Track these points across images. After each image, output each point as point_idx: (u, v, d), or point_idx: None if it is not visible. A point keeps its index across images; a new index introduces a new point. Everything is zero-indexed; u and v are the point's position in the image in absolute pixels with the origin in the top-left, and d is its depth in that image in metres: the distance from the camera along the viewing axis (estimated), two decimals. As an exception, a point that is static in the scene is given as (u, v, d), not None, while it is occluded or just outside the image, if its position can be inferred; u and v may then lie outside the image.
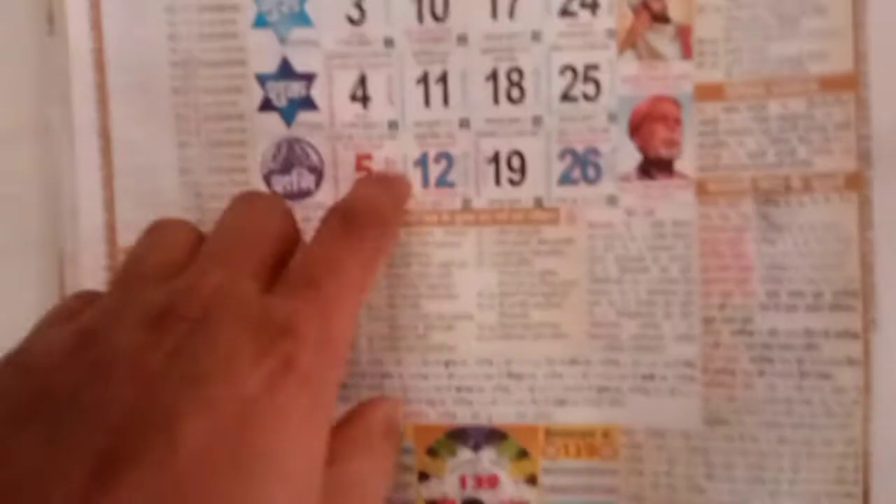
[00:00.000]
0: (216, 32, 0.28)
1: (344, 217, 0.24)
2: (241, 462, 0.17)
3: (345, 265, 0.22)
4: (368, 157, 0.28)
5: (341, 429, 0.24)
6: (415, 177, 0.28)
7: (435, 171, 0.28)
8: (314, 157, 0.28)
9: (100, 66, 0.28)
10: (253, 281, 0.21)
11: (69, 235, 0.29)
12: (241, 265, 0.21)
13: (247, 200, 0.24)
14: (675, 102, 0.27)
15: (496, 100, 0.28)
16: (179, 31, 0.28)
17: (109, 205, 0.28)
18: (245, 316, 0.19)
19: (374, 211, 0.25)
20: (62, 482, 0.15)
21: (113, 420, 0.16)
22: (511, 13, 0.27)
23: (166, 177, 0.28)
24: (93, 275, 0.28)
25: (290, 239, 0.24)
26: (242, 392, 0.17)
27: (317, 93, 0.28)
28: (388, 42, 0.28)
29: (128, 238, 0.28)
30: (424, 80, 0.28)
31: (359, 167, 0.28)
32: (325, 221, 0.24)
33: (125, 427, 0.16)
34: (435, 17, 0.28)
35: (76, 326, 0.19)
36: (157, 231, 0.23)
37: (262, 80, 0.28)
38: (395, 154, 0.28)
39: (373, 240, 0.24)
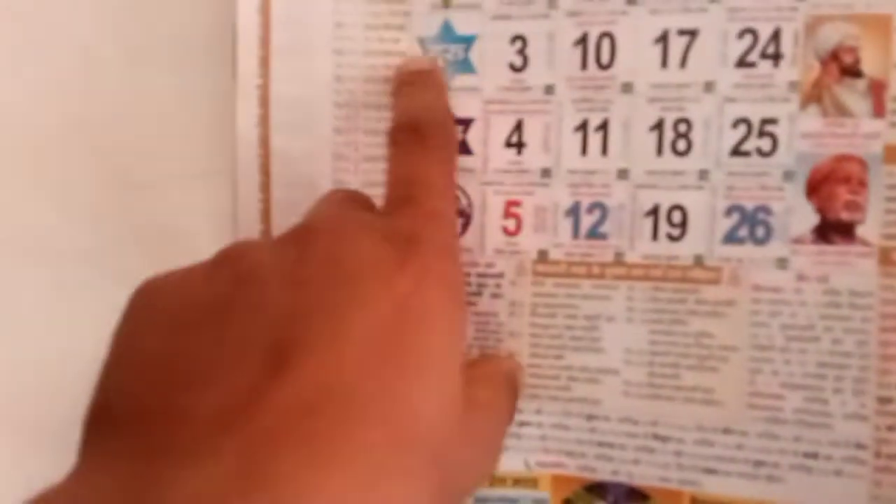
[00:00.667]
0: (380, 76, 0.24)
1: (414, 132, 0.22)
2: (400, 355, 0.16)
3: (431, 175, 0.21)
4: (518, 203, 0.24)
5: (470, 367, 0.21)
6: (565, 227, 0.23)
7: (587, 221, 0.23)
8: (464, 201, 0.24)
9: (264, 102, 0.24)
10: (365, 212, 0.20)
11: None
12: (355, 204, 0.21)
13: None
14: (862, 163, 0.21)
15: (660, 151, 0.23)
16: (345, 73, 0.24)
17: (266, 235, 0.25)
18: (376, 230, 0.18)
19: (433, 116, 0.23)
20: (235, 373, 0.14)
21: (274, 318, 0.15)
22: (683, 63, 0.22)
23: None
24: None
25: None
26: (395, 290, 0.16)
27: (473, 137, 0.24)
28: (549, 89, 0.23)
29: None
30: (583, 127, 0.23)
31: (507, 214, 0.24)
32: (397, 142, 0.22)
33: (288, 323, 0.15)
34: (600, 65, 0.23)
35: (214, 256, 0.18)
36: None
37: (419, 122, 0.24)
38: (545, 202, 0.24)
39: (445, 142, 0.22)
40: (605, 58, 0.23)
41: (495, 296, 0.24)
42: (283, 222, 0.25)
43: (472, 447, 0.19)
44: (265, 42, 0.25)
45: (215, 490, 0.13)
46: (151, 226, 0.26)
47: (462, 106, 0.24)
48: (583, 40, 0.23)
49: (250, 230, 0.25)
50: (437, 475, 0.16)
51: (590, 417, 0.24)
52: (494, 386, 0.22)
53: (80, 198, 0.26)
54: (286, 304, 0.15)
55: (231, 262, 0.17)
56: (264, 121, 0.25)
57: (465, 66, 0.24)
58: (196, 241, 0.26)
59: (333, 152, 0.25)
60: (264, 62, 0.25)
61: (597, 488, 0.24)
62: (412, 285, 0.17)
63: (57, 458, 0.14)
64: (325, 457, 0.14)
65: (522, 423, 0.24)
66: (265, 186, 0.25)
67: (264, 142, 0.25)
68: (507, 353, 0.24)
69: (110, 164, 0.26)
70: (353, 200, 0.21)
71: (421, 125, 0.22)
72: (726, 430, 0.23)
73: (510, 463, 0.24)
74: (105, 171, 0.26)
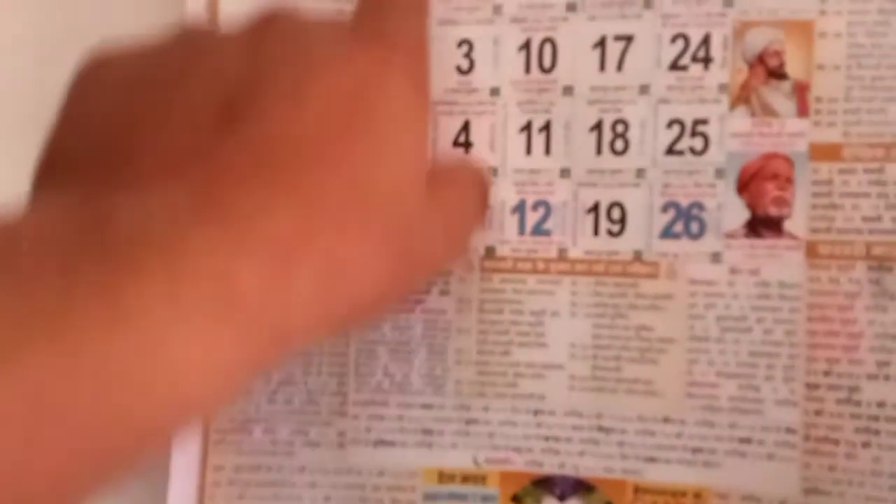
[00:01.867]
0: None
1: None
2: (361, 123, 0.16)
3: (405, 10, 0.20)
4: (466, 201, 0.24)
5: (437, 171, 0.21)
6: (511, 224, 0.24)
7: (532, 218, 0.24)
8: (413, 200, 0.24)
9: None
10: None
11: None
12: None
13: None
14: (788, 161, 0.22)
15: (599, 150, 0.24)
16: None
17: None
18: (341, 25, 0.18)
19: None
20: (189, 123, 0.14)
21: (229, 79, 0.15)
22: (619, 66, 0.23)
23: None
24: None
25: None
26: (354, 69, 0.16)
27: (420, 137, 0.24)
28: (494, 91, 0.24)
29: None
30: (528, 128, 0.24)
31: (456, 211, 0.24)
32: None
33: (244, 84, 0.15)
34: (542, 69, 0.24)
35: (170, 31, 0.17)
36: None
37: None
38: (492, 200, 0.24)
39: None
40: (547, 62, 0.24)
41: (444, 293, 0.25)
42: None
43: (436, 227, 0.19)
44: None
45: (165, 216, 0.13)
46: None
47: (409, 107, 0.24)
48: (526, 45, 0.24)
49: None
50: (397, 246, 0.16)
51: (536, 412, 0.24)
52: (463, 179, 0.21)
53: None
54: (240, 73, 0.16)
55: (187, 34, 0.17)
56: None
57: (413, 69, 0.24)
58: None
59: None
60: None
61: (544, 482, 0.24)
62: (376, 66, 0.17)
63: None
64: (277, 200, 0.14)
65: (470, 421, 0.24)
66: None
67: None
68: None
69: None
70: None
71: None
72: (666, 420, 0.23)
73: (459, 459, 0.25)
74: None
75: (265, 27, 0.17)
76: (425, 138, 0.18)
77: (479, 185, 0.23)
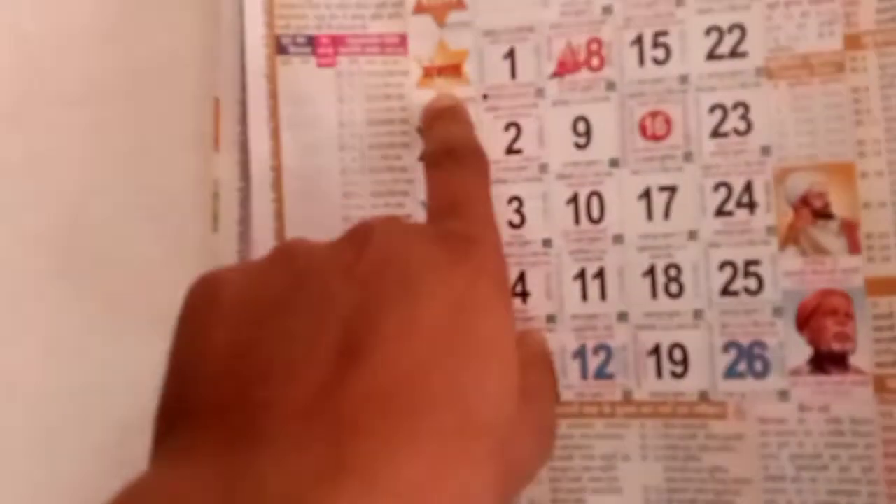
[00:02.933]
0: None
1: (450, 155, 0.23)
2: (462, 346, 0.16)
3: (472, 190, 0.22)
4: (527, 347, 0.25)
5: None
6: (573, 369, 0.24)
7: (594, 362, 0.24)
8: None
9: (279, 216, 0.26)
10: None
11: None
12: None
13: None
14: (846, 296, 0.23)
15: (654, 294, 0.24)
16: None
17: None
18: (428, 233, 0.19)
19: (466, 143, 0.24)
20: (310, 365, 0.15)
21: (340, 312, 0.16)
22: (667, 214, 0.24)
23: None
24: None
25: None
26: (452, 287, 0.17)
27: (479, 291, 0.25)
28: (546, 242, 0.25)
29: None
30: (582, 276, 0.25)
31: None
32: (435, 164, 0.23)
33: (355, 317, 0.16)
34: (591, 220, 0.25)
35: (270, 253, 0.18)
36: None
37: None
38: (553, 346, 0.25)
39: (480, 164, 0.24)
40: (595, 213, 0.25)
41: (512, 441, 0.25)
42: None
43: (531, 433, 0.19)
44: (279, 215, 0.26)
45: (309, 477, 0.13)
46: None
47: (467, 263, 0.26)
48: (574, 199, 0.25)
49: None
50: (502, 463, 0.16)
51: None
52: (537, 368, 0.22)
53: (67, 341, 0.27)
54: (350, 299, 0.16)
55: (288, 257, 0.18)
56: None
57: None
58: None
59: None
60: (279, 234, 0.26)
61: None
62: (468, 282, 0.17)
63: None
64: (400, 443, 0.14)
65: (550, 568, 0.24)
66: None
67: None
68: (530, 329, 0.25)
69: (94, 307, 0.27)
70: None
71: (456, 149, 0.23)
72: (749, 563, 0.23)
73: None
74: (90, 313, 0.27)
75: (362, 247, 0.17)
76: (514, 344, 0.18)
77: (548, 363, 0.23)
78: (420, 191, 0.26)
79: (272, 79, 0.26)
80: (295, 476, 0.13)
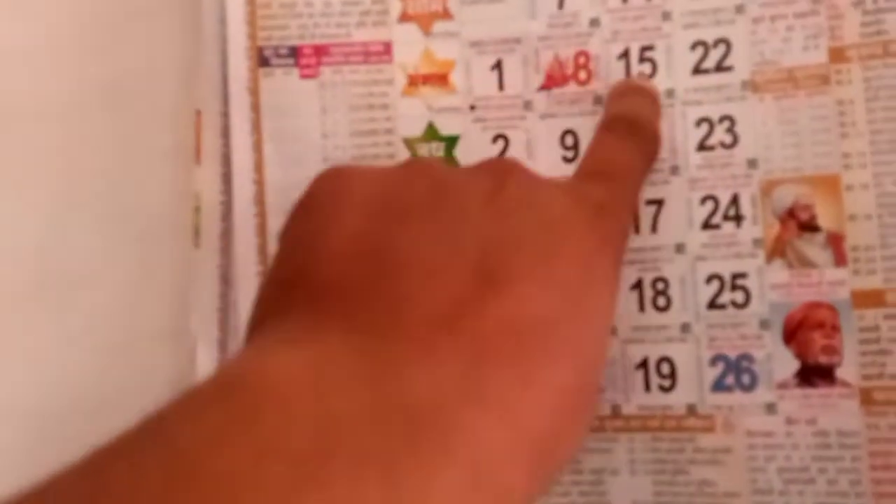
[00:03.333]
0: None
1: (630, 125, 0.23)
2: (585, 307, 0.16)
3: (632, 164, 0.22)
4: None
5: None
6: (562, 381, 0.24)
7: (582, 375, 0.24)
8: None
9: (262, 231, 0.25)
10: None
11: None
12: None
13: None
14: (832, 309, 0.23)
15: (642, 308, 0.24)
16: None
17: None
18: (565, 189, 0.18)
19: (649, 122, 0.24)
20: (449, 276, 0.15)
21: (482, 236, 0.15)
22: (654, 227, 0.24)
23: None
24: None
25: None
26: (585, 247, 0.17)
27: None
28: (534, 256, 0.24)
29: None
30: (569, 289, 0.24)
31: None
32: (609, 128, 0.23)
33: (497, 246, 0.15)
34: (579, 233, 0.24)
35: (403, 163, 0.18)
36: None
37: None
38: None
39: (649, 149, 0.23)
40: (582, 226, 0.25)
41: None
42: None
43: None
44: (262, 230, 0.26)
45: (456, 394, 0.13)
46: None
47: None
48: (560, 211, 0.25)
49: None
50: (586, 421, 0.16)
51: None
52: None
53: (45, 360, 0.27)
54: (488, 226, 0.16)
55: (425, 168, 0.17)
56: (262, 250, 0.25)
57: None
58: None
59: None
60: (262, 249, 0.26)
61: None
62: (597, 248, 0.17)
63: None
64: (531, 383, 0.14)
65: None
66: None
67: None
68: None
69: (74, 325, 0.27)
70: None
71: (639, 123, 0.23)
72: (739, 577, 0.23)
73: None
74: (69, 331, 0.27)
75: (503, 182, 0.17)
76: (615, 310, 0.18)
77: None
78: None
79: (255, 91, 0.25)
80: (442, 389, 0.13)
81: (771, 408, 0.23)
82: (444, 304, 0.14)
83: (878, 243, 0.22)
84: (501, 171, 0.17)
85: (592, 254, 0.17)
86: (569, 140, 0.25)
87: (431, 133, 0.25)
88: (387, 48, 0.26)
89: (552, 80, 0.25)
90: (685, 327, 0.24)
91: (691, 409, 0.24)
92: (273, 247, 0.25)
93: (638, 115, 0.23)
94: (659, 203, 0.24)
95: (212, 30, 0.26)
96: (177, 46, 0.27)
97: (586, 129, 0.25)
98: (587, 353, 0.16)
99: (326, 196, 0.16)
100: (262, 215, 0.25)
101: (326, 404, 0.12)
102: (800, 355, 0.23)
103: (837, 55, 0.23)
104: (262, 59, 0.25)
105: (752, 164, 0.24)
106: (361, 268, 0.14)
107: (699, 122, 0.24)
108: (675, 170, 0.24)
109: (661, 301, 0.24)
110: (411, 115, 0.25)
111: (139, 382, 0.26)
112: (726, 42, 0.24)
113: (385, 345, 0.13)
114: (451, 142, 0.25)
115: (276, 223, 0.25)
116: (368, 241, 0.15)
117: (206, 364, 0.26)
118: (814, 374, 0.23)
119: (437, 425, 0.12)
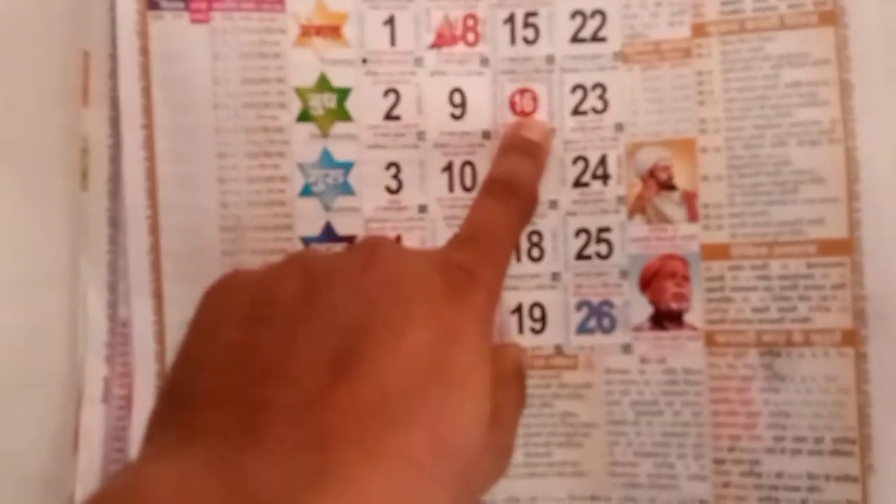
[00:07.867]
0: (264, 200, 0.25)
1: (508, 188, 0.23)
2: (443, 373, 0.16)
3: (504, 228, 0.22)
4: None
5: None
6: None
7: (463, 319, 0.25)
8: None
9: (154, 230, 0.25)
10: None
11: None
12: None
13: None
14: (684, 261, 0.24)
15: (518, 258, 0.25)
16: (230, 199, 0.25)
17: (161, 356, 0.25)
18: (434, 257, 0.19)
19: (529, 184, 0.24)
20: (306, 372, 0.15)
21: (340, 325, 0.16)
22: (531, 184, 0.24)
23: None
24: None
25: None
26: (443, 317, 0.17)
27: (356, 252, 0.25)
28: (422, 208, 0.25)
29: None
30: (453, 239, 0.25)
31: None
32: (489, 192, 0.23)
33: (352, 332, 0.16)
34: (464, 188, 0.25)
35: (285, 258, 0.19)
36: None
37: (306, 242, 0.25)
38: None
39: (525, 208, 0.23)
40: (468, 182, 0.25)
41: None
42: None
43: (492, 456, 0.19)
44: (151, 174, 0.25)
45: (298, 480, 0.14)
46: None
47: (344, 225, 0.25)
48: (448, 168, 0.25)
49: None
50: (464, 483, 0.16)
51: (477, 502, 0.25)
52: (509, 387, 0.21)
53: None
54: (350, 314, 0.16)
55: (300, 265, 0.18)
56: (155, 248, 0.25)
57: (345, 189, 0.25)
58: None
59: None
60: (152, 194, 0.25)
61: (486, 562, 0.25)
62: (456, 318, 0.17)
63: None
64: (377, 456, 0.14)
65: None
66: (159, 309, 0.25)
67: (156, 266, 0.25)
68: (507, 344, 0.25)
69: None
70: None
71: (516, 185, 0.23)
72: (593, 498, 0.24)
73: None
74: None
75: (370, 259, 0.18)
76: (489, 379, 0.18)
77: (519, 376, 0.22)
78: (296, 153, 0.25)
79: (143, 35, 0.24)
80: (286, 479, 0.14)
81: (627, 348, 0.25)
82: (296, 402, 0.15)
83: (726, 201, 0.24)
84: (369, 248, 0.18)
85: (451, 323, 0.17)
86: (457, 98, 0.25)
87: (323, 84, 0.25)
88: (281, -3, 0.25)
89: (442, 39, 0.25)
90: (555, 276, 0.25)
91: (558, 349, 0.25)
92: (163, 191, 0.25)
93: (515, 175, 0.23)
94: (536, 161, 0.25)
95: (101, -31, 0.24)
96: (64, -15, 0.25)
97: (473, 89, 0.25)
98: (450, 415, 0.16)
99: (208, 312, 0.17)
100: (151, 160, 0.24)
101: None
102: (654, 302, 0.25)
103: (699, 30, 0.24)
104: (151, 2, 0.24)
105: (619, 127, 0.25)
106: (230, 378, 0.15)
107: (574, 89, 0.25)
108: (551, 132, 0.25)
109: (535, 252, 0.25)
110: (303, 66, 0.25)
111: (30, 324, 0.25)
112: (602, 14, 0.25)
113: (243, 451, 0.14)
114: (343, 94, 0.25)
115: (165, 168, 0.25)
116: (238, 351, 0.16)
117: (96, 307, 0.25)
118: (665, 318, 0.24)
119: None
